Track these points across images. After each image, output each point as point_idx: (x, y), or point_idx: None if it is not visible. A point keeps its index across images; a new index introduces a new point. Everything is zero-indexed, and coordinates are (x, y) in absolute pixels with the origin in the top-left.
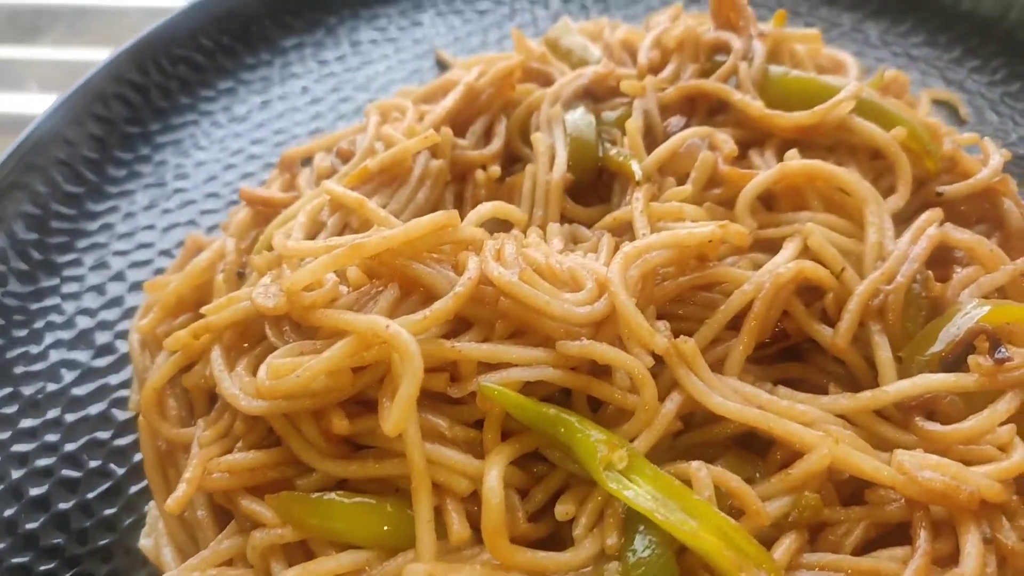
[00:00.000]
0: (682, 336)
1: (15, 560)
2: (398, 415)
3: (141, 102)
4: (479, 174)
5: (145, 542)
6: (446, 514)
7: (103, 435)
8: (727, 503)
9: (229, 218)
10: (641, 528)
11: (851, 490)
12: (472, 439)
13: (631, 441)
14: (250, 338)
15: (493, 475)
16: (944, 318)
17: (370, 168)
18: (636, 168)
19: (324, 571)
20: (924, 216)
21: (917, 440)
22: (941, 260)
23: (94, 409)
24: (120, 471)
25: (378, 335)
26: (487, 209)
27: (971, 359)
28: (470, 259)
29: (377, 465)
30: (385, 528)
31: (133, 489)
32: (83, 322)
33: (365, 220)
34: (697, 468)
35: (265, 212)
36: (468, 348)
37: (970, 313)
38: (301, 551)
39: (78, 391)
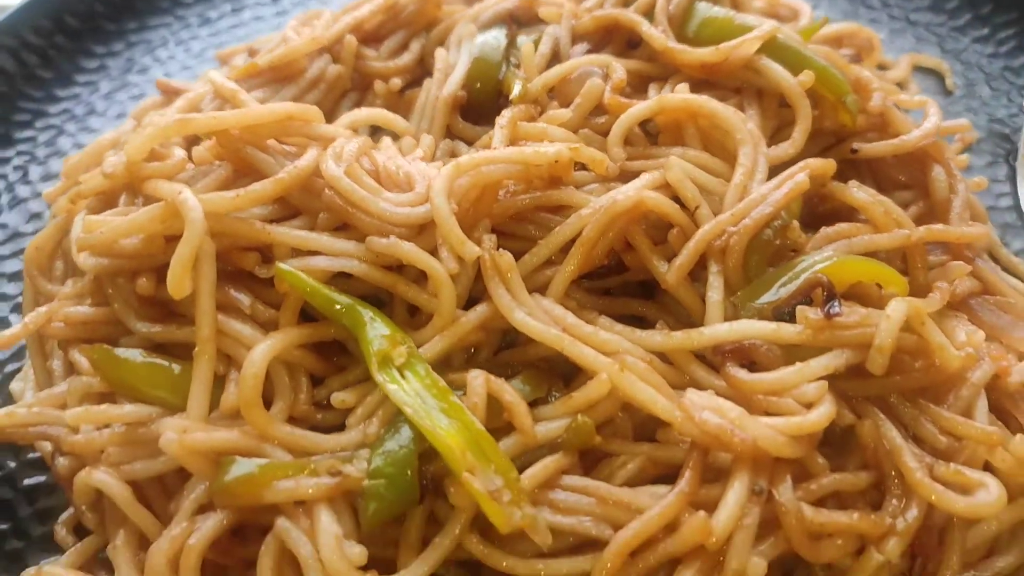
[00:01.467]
0: (501, 249)
1: None
2: (173, 274)
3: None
4: (378, 84)
5: (15, 385)
6: (228, 383)
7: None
8: (503, 417)
9: (139, 105)
10: (402, 426)
11: (652, 430)
12: (272, 319)
13: (424, 344)
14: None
15: (260, 348)
16: (787, 267)
17: (258, 64)
18: (516, 86)
19: (108, 415)
20: (800, 163)
21: (727, 388)
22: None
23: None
24: None
25: (173, 200)
26: (364, 114)
27: (799, 310)
28: (308, 150)
29: (178, 330)
30: (171, 388)
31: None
32: (22, 191)
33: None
34: (474, 376)
35: (171, 100)
36: (278, 231)
37: (812, 263)
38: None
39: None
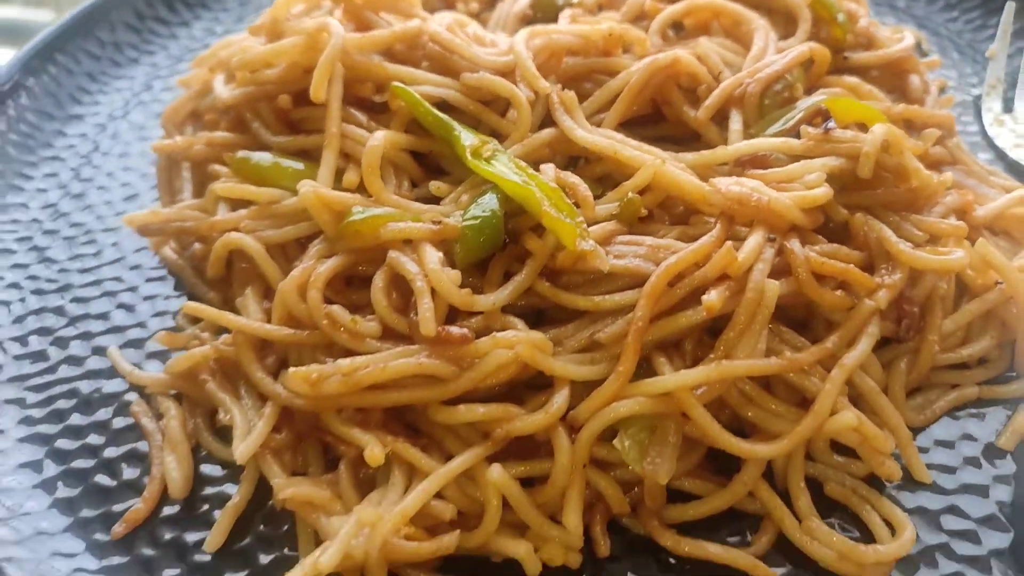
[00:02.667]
0: (566, 89)
1: None
2: (316, 78)
3: None
4: (460, 6)
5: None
6: (348, 171)
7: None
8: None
9: None
10: (489, 195)
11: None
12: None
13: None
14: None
15: (379, 134)
16: (792, 107)
17: None
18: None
19: (246, 191)
20: (803, 42)
21: None
22: None
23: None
24: None
25: (315, 34)
26: None
27: (802, 129)
28: (415, 11)
29: (307, 138)
30: (298, 179)
31: None
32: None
33: None
34: (545, 168)
35: None
36: (392, 66)
37: (814, 99)
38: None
39: None
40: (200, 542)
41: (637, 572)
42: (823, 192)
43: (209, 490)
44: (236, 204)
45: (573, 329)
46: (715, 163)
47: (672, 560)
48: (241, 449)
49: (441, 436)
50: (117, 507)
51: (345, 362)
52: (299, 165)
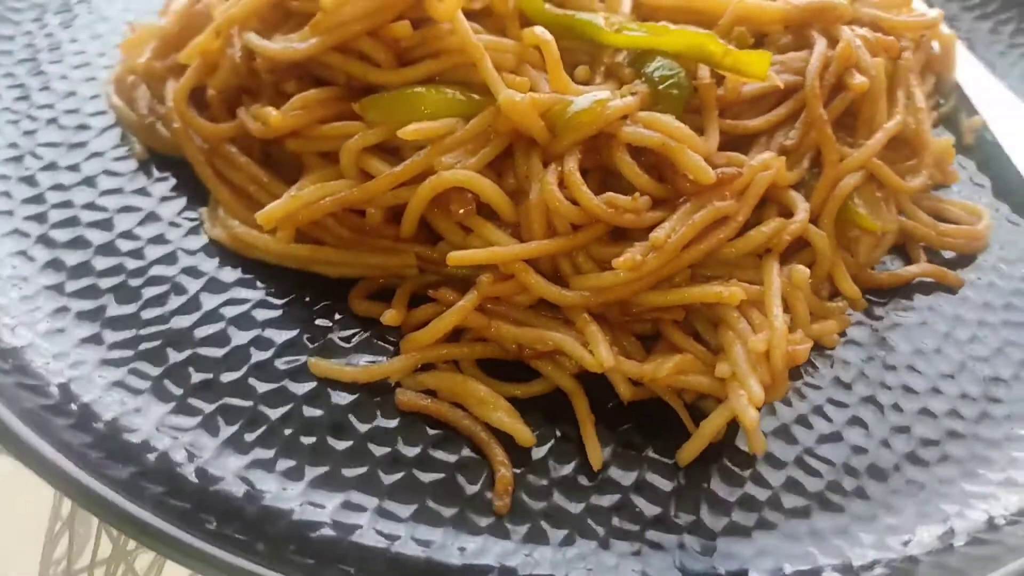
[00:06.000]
0: None
1: None
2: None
3: None
4: None
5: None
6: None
7: None
8: None
9: None
10: (656, 60)
11: None
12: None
13: None
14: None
15: (539, 30)
16: None
17: None
18: None
19: (430, 130)
20: None
21: None
22: None
23: None
24: None
25: None
26: None
27: None
28: None
29: (433, 62)
30: (461, 105)
31: None
32: None
33: None
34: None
35: None
36: None
37: None
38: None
39: None
40: (580, 466)
41: None
42: None
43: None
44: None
45: (762, 147)
46: None
47: None
48: (606, 354)
49: (727, 273)
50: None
51: (659, 233)
52: (445, 90)
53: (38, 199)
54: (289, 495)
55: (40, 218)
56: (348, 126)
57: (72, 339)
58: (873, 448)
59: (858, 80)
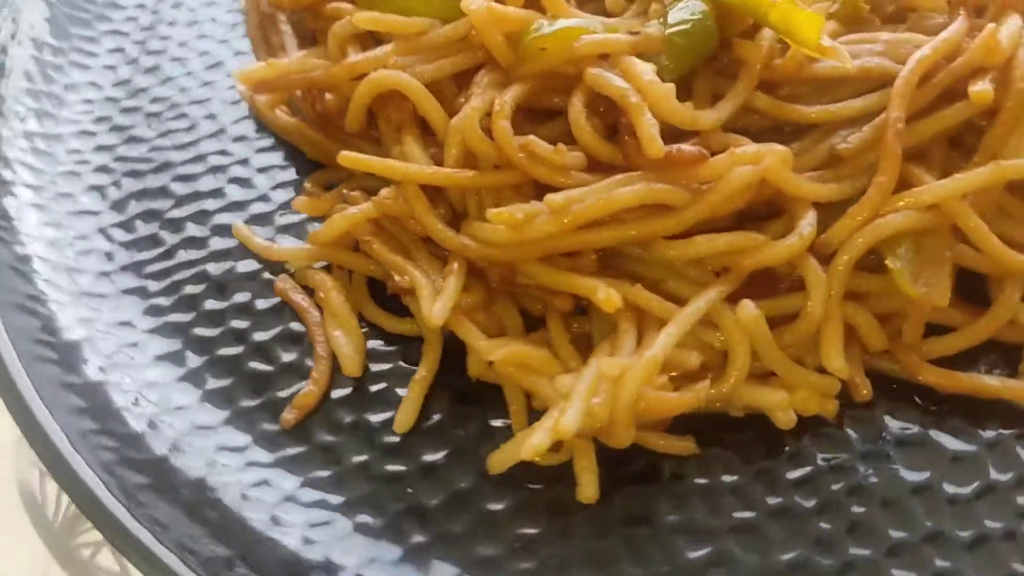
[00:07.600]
0: None
1: None
2: None
3: None
4: None
5: None
6: None
7: None
8: None
9: None
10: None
11: None
12: None
13: None
14: None
15: None
16: None
17: None
18: None
19: (389, 23)
20: None
21: None
22: None
23: None
24: None
25: None
26: None
27: None
28: None
29: None
30: (449, 9)
31: None
32: None
33: None
34: None
35: None
36: None
37: None
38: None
39: None
40: (386, 423)
41: (896, 415)
42: None
43: (381, 366)
44: (366, 46)
45: (811, 143)
46: None
47: (931, 401)
48: (436, 309)
49: (662, 277)
50: (281, 393)
51: (557, 197)
52: None
53: None
54: None
55: None
56: (341, 9)
57: None
58: None
59: (978, 88)
